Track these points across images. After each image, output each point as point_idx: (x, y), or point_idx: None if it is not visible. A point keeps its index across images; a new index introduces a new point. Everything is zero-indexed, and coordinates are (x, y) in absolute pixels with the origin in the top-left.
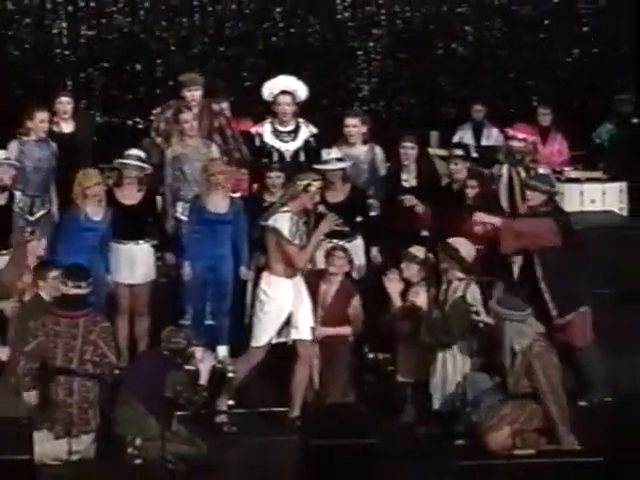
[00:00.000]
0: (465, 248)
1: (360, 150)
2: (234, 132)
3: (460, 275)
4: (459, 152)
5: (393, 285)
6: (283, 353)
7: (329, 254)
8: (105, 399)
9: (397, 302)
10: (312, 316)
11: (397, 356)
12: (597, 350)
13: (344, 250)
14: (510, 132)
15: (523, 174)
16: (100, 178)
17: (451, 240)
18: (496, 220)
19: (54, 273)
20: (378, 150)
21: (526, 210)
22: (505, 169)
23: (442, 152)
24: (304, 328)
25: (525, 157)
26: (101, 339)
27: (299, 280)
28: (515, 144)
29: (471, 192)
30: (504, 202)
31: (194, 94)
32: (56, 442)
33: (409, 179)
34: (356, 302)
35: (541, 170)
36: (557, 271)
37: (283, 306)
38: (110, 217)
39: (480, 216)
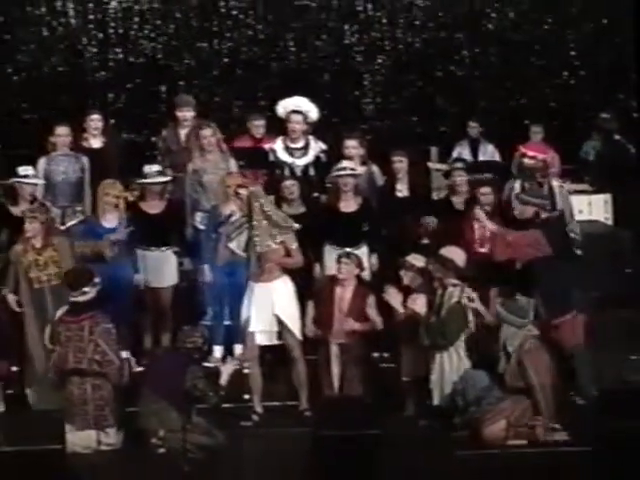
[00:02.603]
0: (458, 256)
1: (359, 169)
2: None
3: (455, 281)
4: (460, 165)
5: (393, 298)
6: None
7: (338, 261)
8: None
9: (400, 310)
10: (297, 316)
11: (399, 356)
12: (587, 351)
13: (349, 256)
14: (522, 149)
15: (532, 186)
16: (115, 189)
17: (444, 250)
18: (491, 226)
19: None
20: (375, 169)
21: (519, 222)
22: (517, 183)
23: (441, 166)
24: (295, 330)
25: (536, 173)
26: (101, 339)
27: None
28: (526, 161)
29: (484, 199)
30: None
31: (186, 114)
32: (85, 432)
33: (402, 190)
34: (372, 300)
35: (554, 183)
36: (548, 277)
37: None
38: (126, 224)
39: (480, 215)
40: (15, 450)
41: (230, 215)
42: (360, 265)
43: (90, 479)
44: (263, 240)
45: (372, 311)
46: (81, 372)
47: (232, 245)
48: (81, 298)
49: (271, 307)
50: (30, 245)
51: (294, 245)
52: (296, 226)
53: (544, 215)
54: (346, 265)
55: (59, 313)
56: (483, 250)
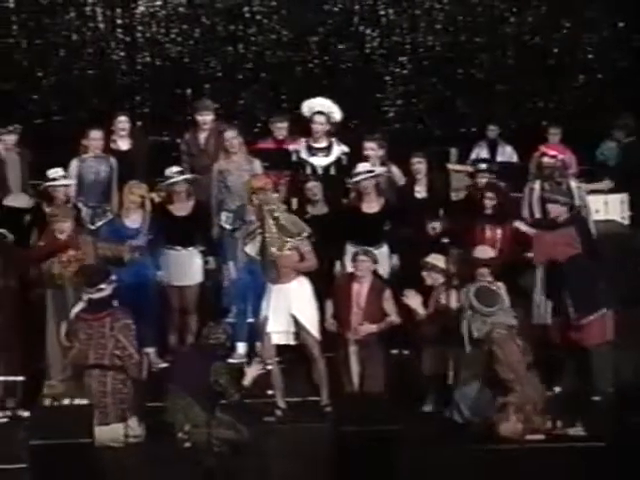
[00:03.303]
0: (488, 254)
1: (379, 170)
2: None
3: (490, 278)
4: (484, 166)
5: (412, 300)
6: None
7: (354, 259)
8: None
9: (421, 312)
10: (316, 316)
11: (420, 353)
12: (609, 350)
13: (366, 253)
14: (542, 149)
15: (554, 185)
16: (140, 189)
17: (477, 251)
18: (530, 230)
19: None
20: (394, 169)
21: (549, 221)
22: (537, 184)
23: (460, 167)
24: (312, 330)
25: (554, 172)
26: (121, 334)
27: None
28: (545, 160)
29: (489, 203)
30: (537, 214)
31: (205, 118)
32: (113, 426)
33: (421, 191)
34: (388, 295)
35: (572, 184)
36: (578, 276)
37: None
38: (149, 224)
39: (520, 225)
40: (45, 444)
41: (249, 219)
42: (376, 261)
43: (118, 472)
44: (274, 246)
45: (388, 305)
46: (102, 367)
47: (248, 249)
48: (97, 295)
49: (288, 308)
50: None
51: (307, 248)
52: (308, 232)
53: (568, 214)
54: (363, 262)
55: (75, 310)
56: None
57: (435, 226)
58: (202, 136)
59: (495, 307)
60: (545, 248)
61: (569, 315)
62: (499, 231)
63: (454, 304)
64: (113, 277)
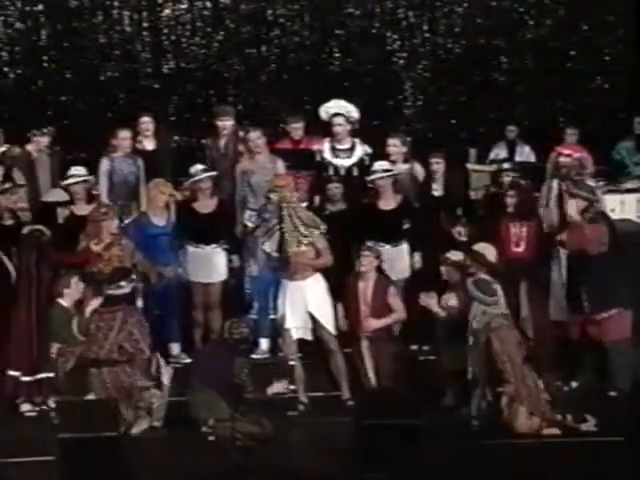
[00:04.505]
0: (489, 252)
1: (401, 167)
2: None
3: (486, 276)
4: (507, 166)
5: (429, 301)
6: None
7: (358, 255)
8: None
9: (441, 313)
10: (331, 312)
11: (439, 348)
12: (628, 346)
13: (370, 249)
14: (558, 149)
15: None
16: (165, 187)
17: (477, 246)
18: (576, 216)
19: (75, 279)
20: (417, 167)
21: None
22: (555, 182)
23: (479, 167)
24: (327, 325)
25: (571, 171)
26: (135, 328)
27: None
28: (562, 160)
29: (510, 201)
30: (554, 211)
31: (225, 123)
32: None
33: (438, 189)
34: (393, 291)
35: (589, 182)
36: (602, 273)
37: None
38: (173, 222)
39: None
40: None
41: (268, 216)
42: (379, 257)
43: (143, 466)
44: (292, 242)
45: (394, 300)
46: (108, 361)
47: (266, 246)
48: (117, 292)
49: (304, 304)
50: (99, 239)
51: (321, 245)
52: (323, 228)
53: (592, 211)
54: (366, 257)
55: (92, 306)
56: (519, 250)
57: (460, 231)
58: (222, 141)
59: (495, 297)
60: (579, 237)
61: (584, 310)
62: (524, 228)
63: (455, 304)
64: (133, 276)
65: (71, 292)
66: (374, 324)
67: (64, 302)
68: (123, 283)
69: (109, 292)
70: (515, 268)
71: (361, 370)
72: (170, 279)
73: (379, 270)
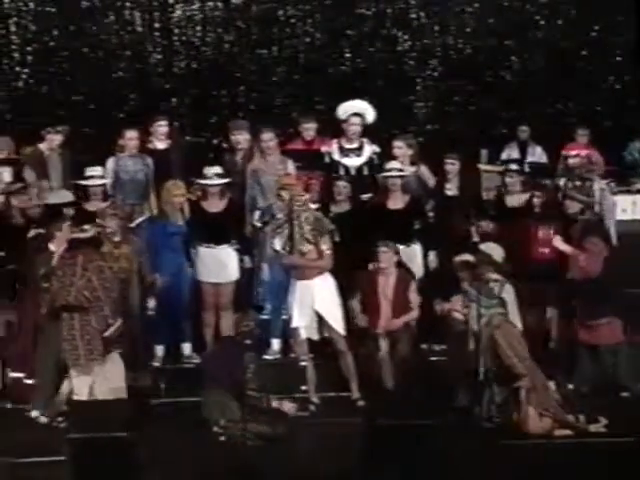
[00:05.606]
0: (496, 252)
1: (407, 169)
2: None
3: (495, 276)
4: (514, 167)
5: (449, 307)
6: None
7: (374, 253)
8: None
9: (460, 317)
10: (339, 312)
11: (451, 348)
12: (629, 348)
13: (387, 244)
14: (565, 149)
15: (579, 184)
16: (179, 188)
17: (483, 246)
18: (568, 249)
19: (67, 224)
20: (423, 169)
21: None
22: (562, 182)
23: (490, 167)
24: (335, 324)
25: (581, 169)
26: (95, 275)
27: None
28: (571, 160)
29: (537, 201)
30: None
31: (238, 137)
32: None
33: (452, 189)
34: (413, 286)
35: (596, 185)
36: (591, 296)
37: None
38: (188, 222)
39: (557, 242)
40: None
41: (277, 215)
42: (397, 252)
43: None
44: (300, 241)
45: (413, 296)
46: (78, 307)
47: (275, 244)
48: (80, 235)
49: (311, 303)
50: (107, 238)
51: (325, 247)
52: (331, 229)
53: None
54: (384, 253)
55: (59, 252)
56: (545, 251)
57: (484, 224)
58: (238, 156)
59: (494, 300)
60: (576, 266)
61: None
62: (552, 231)
63: (460, 308)
64: (98, 220)
65: (62, 236)
66: (397, 323)
67: (53, 246)
68: (87, 227)
69: (73, 236)
70: (541, 270)
71: (375, 369)
72: (165, 283)
73: (399, 265)
